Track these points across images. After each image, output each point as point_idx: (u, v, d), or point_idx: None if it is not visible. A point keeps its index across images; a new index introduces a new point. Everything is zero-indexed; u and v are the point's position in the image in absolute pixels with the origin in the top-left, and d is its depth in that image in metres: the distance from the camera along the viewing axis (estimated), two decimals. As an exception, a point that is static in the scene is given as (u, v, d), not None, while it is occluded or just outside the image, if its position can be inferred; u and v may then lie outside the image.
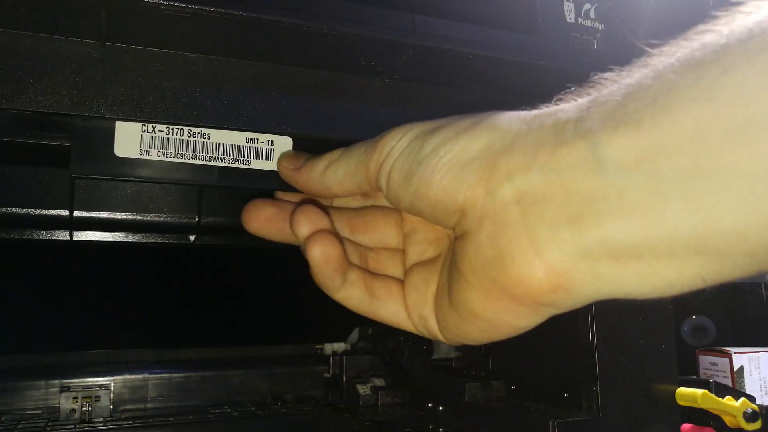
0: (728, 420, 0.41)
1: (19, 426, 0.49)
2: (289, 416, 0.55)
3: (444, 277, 0.25)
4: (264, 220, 0.28)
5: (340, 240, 0.26)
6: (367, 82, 0.33)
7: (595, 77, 0.20)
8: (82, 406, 0.52)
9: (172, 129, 0.29)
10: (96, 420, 0.52)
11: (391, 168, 0.24)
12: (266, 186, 0.31)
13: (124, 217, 0.37)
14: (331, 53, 0.30)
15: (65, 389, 0.52)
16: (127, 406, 0.55)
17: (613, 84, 0.20)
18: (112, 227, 0.38)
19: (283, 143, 0.31)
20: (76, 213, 0.35)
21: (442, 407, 0.52)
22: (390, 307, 0.27)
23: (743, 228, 0.17)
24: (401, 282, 0.27)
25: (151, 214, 0.37)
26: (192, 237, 0.41)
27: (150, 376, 0.56)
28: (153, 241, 0.40)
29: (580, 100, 0.20)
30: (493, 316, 0.22)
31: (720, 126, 0.16)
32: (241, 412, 0.54)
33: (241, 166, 0.30)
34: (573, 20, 0.35)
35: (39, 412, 0.52)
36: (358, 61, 0.31)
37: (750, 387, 0.58)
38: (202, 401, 0.57)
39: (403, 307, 0.27)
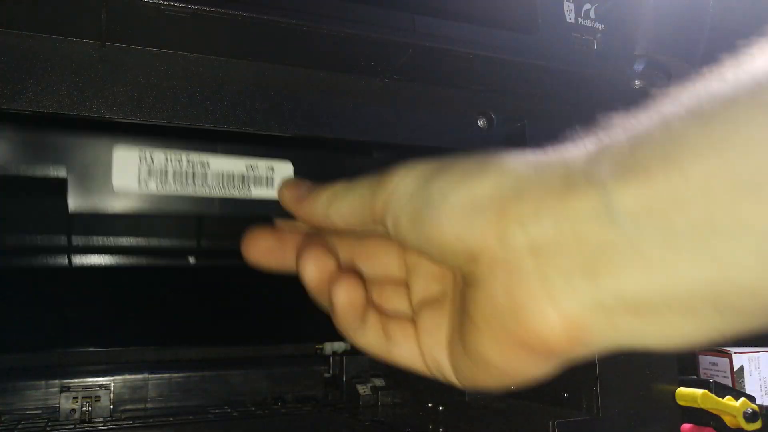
0: (728, 420, 0.41)
1: (19, 426, 0.49)
2: (289, 416, 0.55)
3: (455, 321, 0.24)
4: (265, 251, 0.28)
5: (362, 280, 0.26)
6: (367, 82, 0.33)
7: (604, 121, 0.20)
8: (82, 406, 0.52)
9: (171, 158, 0.28)
10: (96, 420, 0.52)
11: (398, 210, 0.24)
12: (268, 214, 0.30)
13: (123, 243, 0.37)
14: (331, 53, 0.30)
15: (65, 389, 0.52)
16: (127, 406, 0.55)
17: (621, 129, 0.19)
18: (111, 252, 0.38)
19: (284, 168, 0.31)
20: (74, 238, 0.36)
21: (442, 407, 0.52)
22: (405, 350, 0.26)
23: (761, 285, 0.16)
24: (414, 324, 0.27)
25: (151, 239, 0.37)
26: (192, 259, 0.41)
27: (150, 376, 0.56)
28: (153, 263, 0.40)
29: (588, 146, 0.20)
30: (507, 365, 0.22)
31: (730, 180, 0.16)
32: (241, 412, 0.54)
33: (242, 195, 0.30)
34: (573, 20, 0.35)
35: (39, 412, 0.52)
36: (358, 61, 0.31)
37: (750, 387, 0.58)
38: (202, 401, 0.57)
39: (417, 351, 0.26)
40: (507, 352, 0.21)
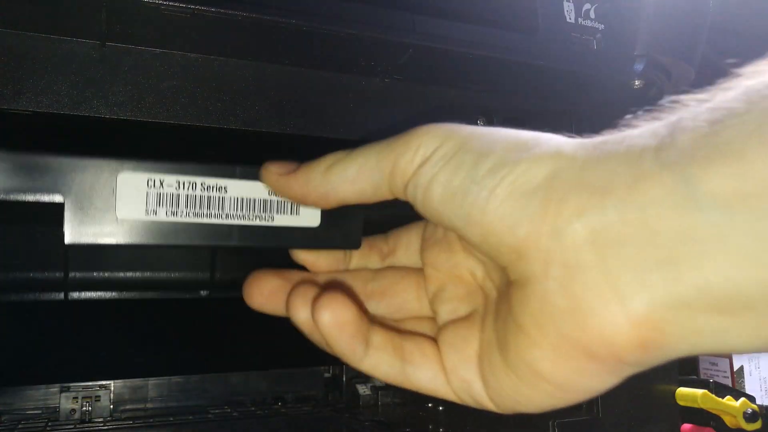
0: (728, 420, 0.41)
1: (19, 426, 0.49)
2: (289, 416, 0.55)
3: (490, 332, 0.21)
4: (268, 295, 0.25)
5: (354, 298, 0.24)
6: (367, 82, 0.33)
7: (665, 100, 0.18)
8: (82, 406, 0.52)
9: (183, 183, 0.26)
10: (96, 420, 0.52)
11: (432, 179, 0.21)
12: (292, 244, 0.27)
13: (129, 275, 0.32)
14: (331, 53, 0.30)
15: (65, 389, 0.52)
16: (127, 406, 0.55)
17: (693, 107, 0.17)
18: (114, 287, 0.34)
19: None
20: (72, 274, 0.31)
21: (442, 407, 0.52)
22: (425, 373, 0.23)
23: None
24: (435, 342, 0.23)
25: (160, 272, 0.33)
26: (204, 292, 0.36)
27: (150, 376, 0.56)
28: (161, 297, 0.35)
29: (654, 125, 0.18)
30: (564, 378, 0.19)
31: None
32: (241, 412, 0.54)
33: (264, 223, 0.27)
34: (573, 20, 0.35)
35: (39, 412, 0.52)
36: (358, 61, 0.31)
37: (750, 387, 0.58)
38: (202, 401, 0.57)
39: (441, 371, 0.23)
40: (563, 362, 0.18)
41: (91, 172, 0.24)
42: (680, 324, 0.17)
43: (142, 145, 0.27)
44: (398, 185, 0.22)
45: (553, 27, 0.34)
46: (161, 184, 0.25)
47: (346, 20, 0.28)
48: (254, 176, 0.26)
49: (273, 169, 0.25)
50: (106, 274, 0.32)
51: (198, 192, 0.26)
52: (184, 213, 0.25)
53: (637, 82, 0.37)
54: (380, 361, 0.23)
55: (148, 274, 0.32)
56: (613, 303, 0.17)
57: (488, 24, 0.32)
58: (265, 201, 0.27)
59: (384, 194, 0.23)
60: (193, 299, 0.35)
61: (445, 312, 0.24)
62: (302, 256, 0.27)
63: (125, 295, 0.34)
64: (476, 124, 0.36)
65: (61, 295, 0.33)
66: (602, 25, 0.36)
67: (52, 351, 0.50)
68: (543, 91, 0.37)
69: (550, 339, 0.18)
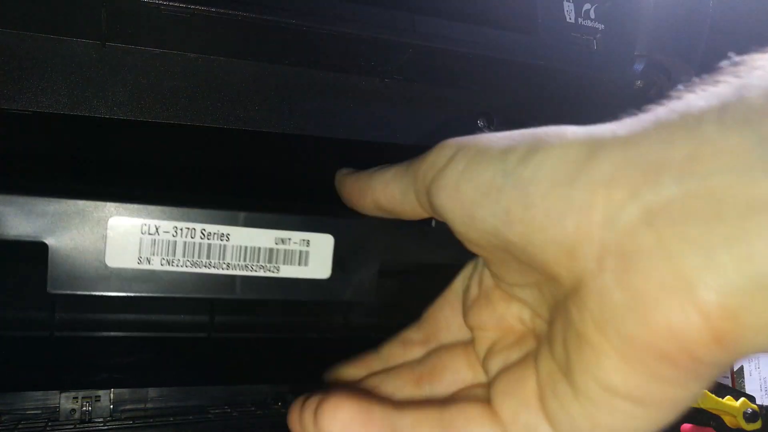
0: (728, 420, 0.41)
1: (19, 426, 0.49)
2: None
3: (548, 362, 0.18)
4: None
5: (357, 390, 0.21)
6: (367, 82, 0.33)
7: (723, 63, 0.16)
8: (82, 406, 0.52)
9: (181, 230, 0.23)
10: (96, 420, 0.52)
11: (459, 177, 0.19)
12: (299, 297, 0.25)
13: (120, 318, 0.30)
14: (331, 53, 0.30)
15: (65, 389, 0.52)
16: (127, 406, 0.55)
17: (763, 65, 0.15)
18: (105, 328, 0.31)
19: (322, 243, 0.26)
20: (58, 315, 0.29)
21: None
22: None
23: None
24: (477, 399, 0.21)
25: (154, 315, 0.31)
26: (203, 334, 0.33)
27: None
28: (156, 335, 0.33)
29: (714, 88, 0.16)
30: (639, 389, 0.16)
31: None
32: (241, 413, 0.54)
33: (269, 274, 0.25)
34: (573, 20, 0.35)
35: (39, 412, 0.52)
36: (358, 61, 0.31)
37: (750, 387, 0.58)
38: (202, 401, 0.57)
39: (498, 426, 0.19)
40: (634, 370, 0.16)
41: (79, 217, 0.22)
42: (758, 311, 0.14)
43: (136, 183, 0.26)
44: (422, 192, 0.20)
45: (553, 27, 0.34)
46: (156, 230, 0.23)
47: (346, 20, 0.28)
48: (259, 223, 0.24)
49: (342, 171, 0.25)
50: (96, 316, 0.29)
51: (197, 239, 0.23)
52: (181, 262, 0.23)
53: (637, 82, 0.37)
54: None
55: (142, 316, 0.30)
56: (678, 291, 0.14)
57: (488, 24, 0.32)
58: (270, 250, 0.25)
59: (411, 203, 0.21)
60: (191, 338, 0.32)
61: (496, 365, 0.22)
62: (329, 376, 0.25)
63: (116, 334, 0.32)
64: (476, 124, 0.36)
65: (47, 334, 0.30)
66: (602, 25, 0.36)
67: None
68: (543, 91, 0.37)
69: (614, 344, 0.16)
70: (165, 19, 0.25)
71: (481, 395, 0.21)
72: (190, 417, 0.53)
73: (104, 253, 0.22)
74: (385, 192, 0.22)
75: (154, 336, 0.31)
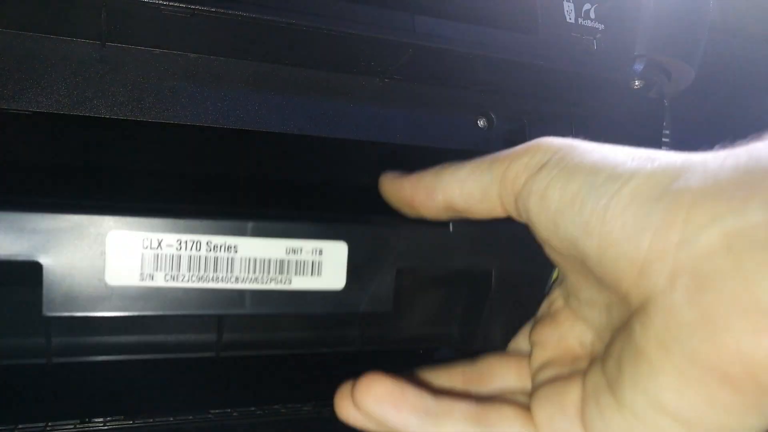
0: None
1: (19, 426, 0.49)
2: (289, 416, 0.55)
3: (597, 376, 0.19)
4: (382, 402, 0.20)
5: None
6: (367, 82, 0.33)
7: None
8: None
9: (186, 243, 0.22)
10: (96, 420, 0.52)
11: (549, 184, 0.19)
12: (313, 310, 0.24)
13: (122, 340, 0.27)
14: (331, 53, 0.30)
15: (65, 389, 0.52)
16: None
17: None
18: (105, 351, 0.28)
19: (335, 251, 0.24)
20: (54, 339, 0.26)
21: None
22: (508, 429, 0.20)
23: None
24: (515, 403, 0.21)
25: (158, 335, 0.28)
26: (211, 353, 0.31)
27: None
28: (160, 357, 0.30)
29: None
30: (691, 411, 0.16)
31: None
32: (241, 412, 0.54)
33: (280, 287, 0.23)
34: (573, 20, 0.35)
35: (39, 412, 0.52)
36: (358, 61, 0.31)
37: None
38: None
39: (526, 426, 0.20)
40: (691, 390, 0.15)
41: (75, 233, 0.20)
42: None
43: (136, 193, 0.24)
44: (509, 192, 0.20)
45: (553, 27, 0.34)
46: (159, 244, 0.21)
47: (346, 20, 0.28)
48: (269, 233, 0.23)
49: (389, 174, 0.24)
50: (95, 339, 0.27)
51: (203, 252, 0.22)
52: (186, 277, 0.21)
53: (637, 82, 0.37)
54: (452, 429, 0.20)
55: (145, 337, 0.28)
56: (752, 315, 0.14)
57: (488, 24, 0.32)
58: (281, 261, 0.23)
59: (491, 201, 0.21)
60: (197, 359, 0.30)
61: (543, 377, 0.22)
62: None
63: (117, 358, 0.29)
64: (476, 124, 0.36)
65: (43, 361, 0.27)
66: (602, 25, 0.36)
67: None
68: (543, 91, 0.37)
69: (675, 362, 0.15)
70: (165, 19, 0.25)
71: (521, 401, 0.22)
72: (190, 417, 0.53)
73: (104, 271, 0.21)
74: (462, 190, 0.21)
75: (158, 358, 0.29)
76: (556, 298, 0.24)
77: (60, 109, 0.26)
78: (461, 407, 0.21)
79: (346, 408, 0.21)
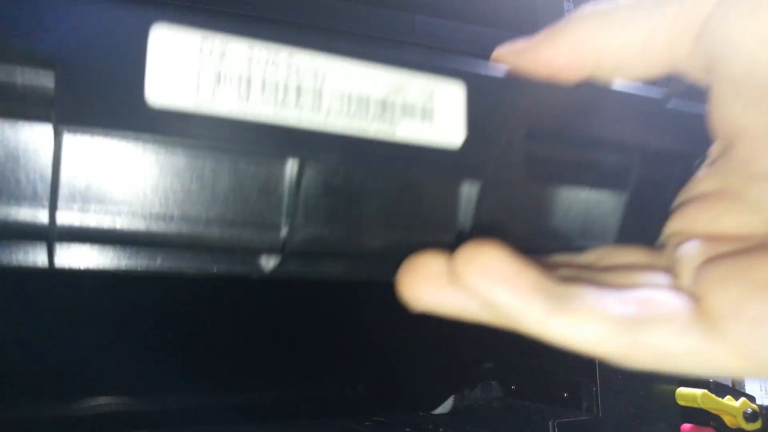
0: (728, 420, 0.41)
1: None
2: (289, 416, 0.55)
3: None
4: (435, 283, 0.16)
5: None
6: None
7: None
8: (82, 406, 0.52)
9: (260, 56, 0.15)
10: (96, 420, 0.52)
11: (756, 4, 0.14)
12: (419, 170, 0.18)
13: (147, 229, 0.16)
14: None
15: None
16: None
17: None
18: (123, 241, 0.17)
19: (450, 93, 0.18)
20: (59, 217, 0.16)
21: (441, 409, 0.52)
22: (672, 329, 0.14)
23: None
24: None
25: (193, 226, 0.17)
26: (269, 262, 0.19)
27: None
28: (193, 269, 0.19)
29: None
30: None
31: None
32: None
33: (380, 134, 0.17)
34: (573, 20, 0.35)
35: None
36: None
37: (750, 387, 0.58)
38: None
39: (702, 324, 0.13)
40: None
41: (108, 21, 0.14)
42: None
43: None
44: (688, 29, 0.15)
45: (553, 27, 0.34)
46: (223, 52, 0.15)
47: (346, 20, 0.28)
48: (375, 57, 0.17)
49: (505, 45, 0.19)
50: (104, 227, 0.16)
51: (282, 73, 0.16)
52: (258, 102, 0.15)
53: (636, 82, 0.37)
54: (586, 318, 0.14)
55: (171, 227, 0.17)
56: None
57: (488, 24, 0.32)
58: (384, 102, 0.17)
59: (656, 50, 0.16)
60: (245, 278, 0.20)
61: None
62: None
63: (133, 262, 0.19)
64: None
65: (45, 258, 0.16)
66: (602, 25, 0.36)
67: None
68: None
69: None
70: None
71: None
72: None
73: (143, 84, 0.14)
74: (616, 38, 0.16)
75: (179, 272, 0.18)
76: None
77: None
78: (604, 294, 0.15)
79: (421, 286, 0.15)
